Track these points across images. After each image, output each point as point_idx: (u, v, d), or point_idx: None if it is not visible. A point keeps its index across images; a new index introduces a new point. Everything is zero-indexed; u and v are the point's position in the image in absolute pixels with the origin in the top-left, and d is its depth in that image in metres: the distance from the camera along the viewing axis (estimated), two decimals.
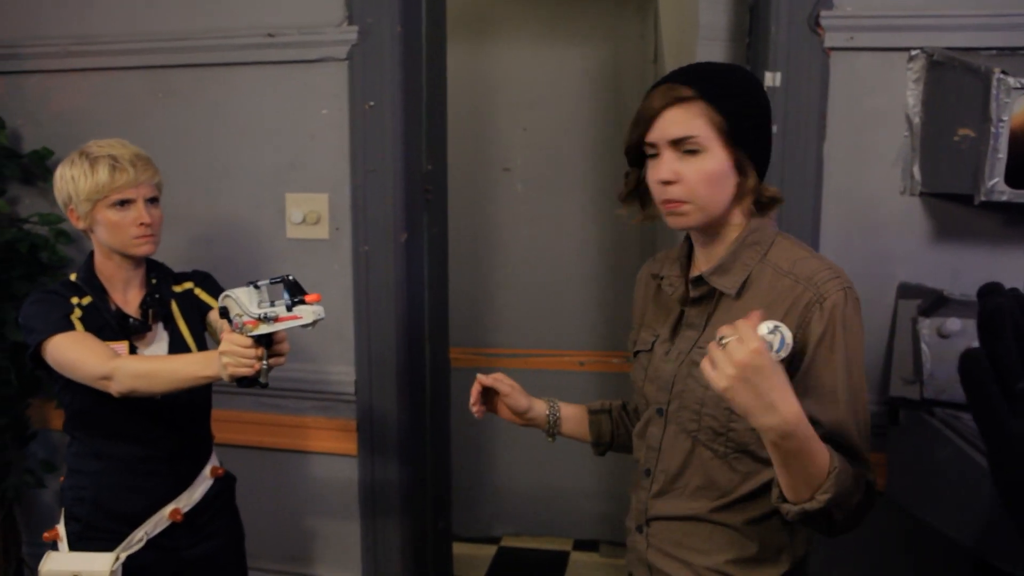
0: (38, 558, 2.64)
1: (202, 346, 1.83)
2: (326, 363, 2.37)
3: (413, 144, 2.32)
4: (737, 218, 1.26)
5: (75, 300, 1.70)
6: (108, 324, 1.70)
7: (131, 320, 1.72)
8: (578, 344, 3.35)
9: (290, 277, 1.43)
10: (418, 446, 2.47)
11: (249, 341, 1.44)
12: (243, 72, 2.32)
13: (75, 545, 1.72)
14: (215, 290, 1.87)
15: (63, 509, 1.77)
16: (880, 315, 1.99)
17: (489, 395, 1.50)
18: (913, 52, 1.93)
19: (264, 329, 1.42)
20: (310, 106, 2.30)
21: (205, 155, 2.39)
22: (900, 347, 1.90)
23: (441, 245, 2.61)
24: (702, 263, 1.31)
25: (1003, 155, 1.67)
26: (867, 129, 1.98)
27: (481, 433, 3.42)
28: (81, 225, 1.71)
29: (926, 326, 1.83)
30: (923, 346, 1.82)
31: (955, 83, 1.82)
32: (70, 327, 1.65)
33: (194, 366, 1.56)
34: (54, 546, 1.75)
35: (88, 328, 1.68)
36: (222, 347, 1.46)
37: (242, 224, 2.39)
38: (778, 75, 1.98)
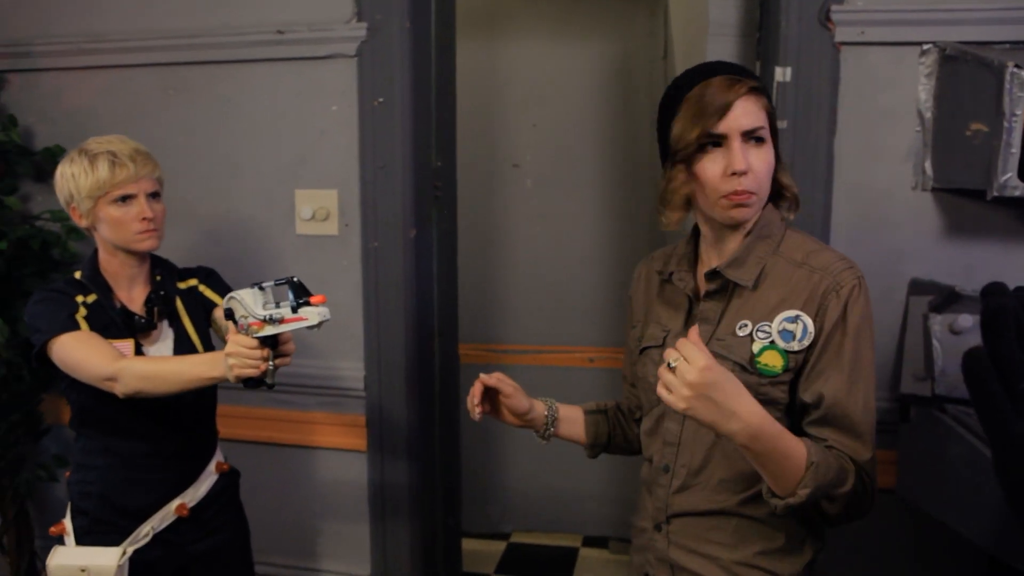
0: (51, 552, 2.67)
1: (207, 344, 1.83)
2: (335, 359, 2.37)
3: (422, 140, 2.32)
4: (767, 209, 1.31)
5: (80, 298, 1.70)
6: (113, 322, 1.70)
7: (136, 318, 1.72)
8: (587, 340, 3.35)
9: (295, 279, 1.43)
10: (428, 442, 2.47)
11: (255, 342, 1.44)
12: (253, 69, 2.33)
13: (82, 539, 1.73)
14: (219, 287, 1.87)
15: (69, 503, 1.78)
16: (891, 311, 1.98)
17: (491, 396, 1.47)
18: (925, 46, 1.91)
19: (270, 330, 1.42)
20: (319, 102, 2.30)
21: (215, 151, 2.40)
22: (911, 344, 1.89)
23: (450, 241, 2.61)
24: (712, 258, 1.32)
25: (1016, 150, 1.66)
26: (878, 124, 1.97)
27: (491, 429, 3.42)
28: (84, 223, 1.70)
29: (938, 323, 1.82)
30: (935, 343, 1.81)
31: (968, 77, 1.80)
32: (75, 326, 1.64)
33: (200, 367, 1.55)
34: (60, 540, 1.76)
35: (93, 326, 1.67)
36: (228, 348, 1.46)
37: (252, 220, 2.39)
38: (788, 70, 1.97)
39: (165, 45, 2.37)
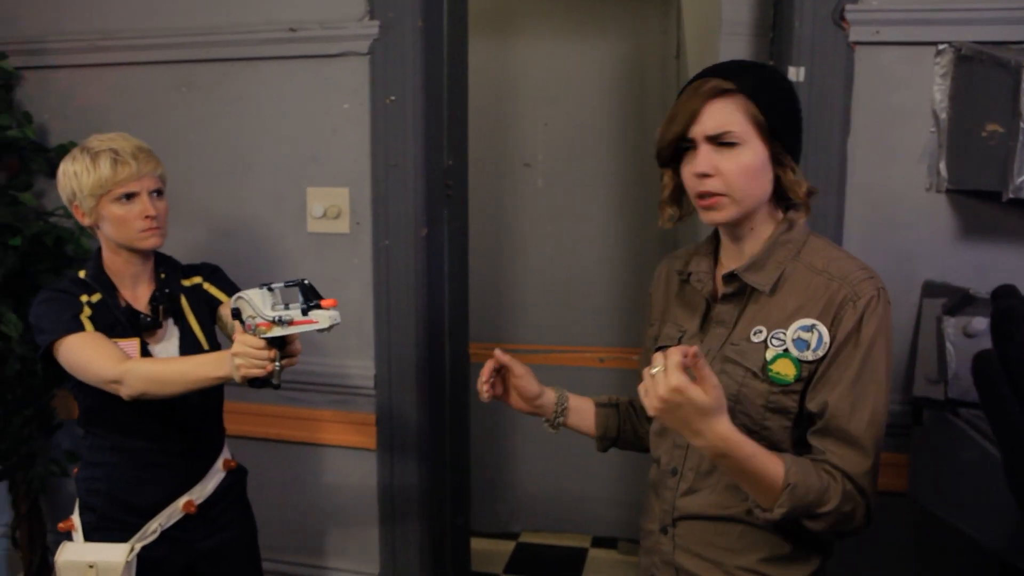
0: None
1: (213, 341, 1.83)
2: (345, 357, 2.38)
3: (434, 139, 2.32)
4: (771, 214, 1.27)
5: (84, 298, 1.69)
6: (119, 321, 1.70)
7: (142, 316, 1.72)
8: (598, 340, 3.34)
9: (306, 281, 1.42)
10: (437, 441, 2.47)
11: (262, 342, 1.43)
12: (265, 66, 2.34)
13: (90, 536, 1.74)
14: (224, 284, 1.87)
15: (78, 500, 1.78)
16: (904, 314, 1.96)
17: (502, 378, 1.47)
18: (941, 46, 1.90)
19: (278, 332, 1.42)
20: (331, 100, 2.30)
21: (227, 149, 2.41)
22: (924, 346, 1.88)
23: (461, 240, 2.61)
24: (731, 260, 1.31)
25: None
26: (892, 125, 1.96)
27: (500, 428, 3.42)
28: (87, 221, 1.69)
29: (951, 325, 1.81)
30: (948, 345, 1.80)
31: (984, 78, 1.79)
32: (80, 327, 1.64)
33: (205, 367, 1.55)
34: (69, 536, 1.77)
35: (98, 326, 1.67)
36: (234, 348, 1.45)
37: (263, 218, 2.40)
38: (802, 70, 1.96)
39: (178, 43, 2.38)
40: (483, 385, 1.43)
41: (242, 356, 1.44)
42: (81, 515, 1.76)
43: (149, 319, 1.73)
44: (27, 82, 2.54)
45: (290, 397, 2.40)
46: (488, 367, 1.43)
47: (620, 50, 3.24)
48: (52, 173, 2.53)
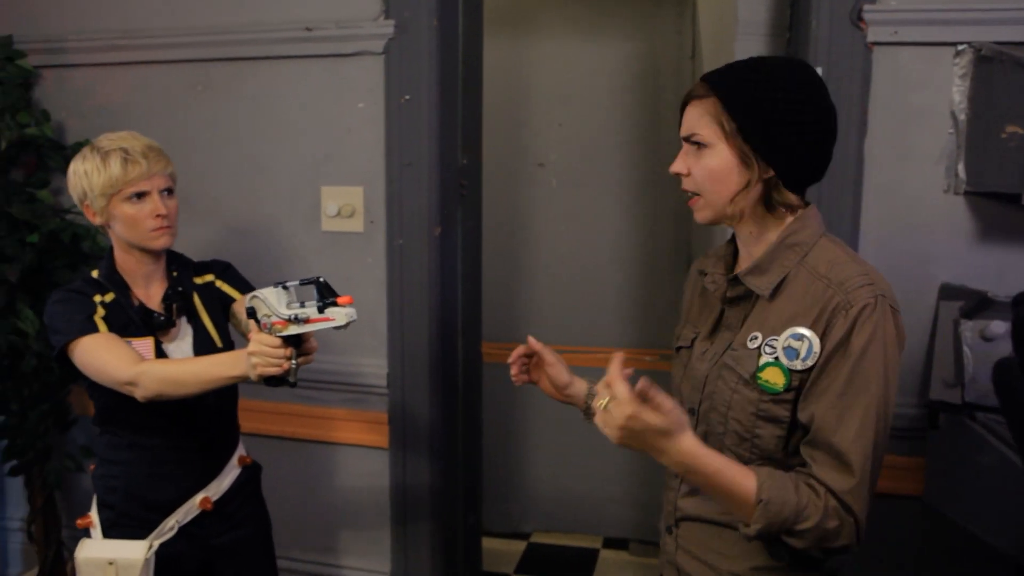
0: (77, 541, 2.70)
1: (226, 339, 1.83)
2: (359, 356, 2.38)
3: (448, 138, 2.33)
4: (777, 217, 1.23)
5: (98, 298, 1.69)
6: (132, 320, 1.70)
7: (155, 315, 1.72)
8: (611, 341, 3.33)
9: (321, 279, 1.42)
10: (449, 440, 2.47)
11: (278, 341, 1.43)
12: (281, 66, 2.34)
13: (108, 532, 1.75)
14: (236, 281, 1.87)
15: (95, 497, 1.79)
16: (921, 317, 1.94)
17: (534, 364, 1.52)
18: (960, 47, 1.88)
19: (294, 330, 1.42)
20: (346, 100, 2.31)
21: (242, 148, 2.41)
22: (941, 350, 1.86)
23: (475, 240, 2.61)
24: (744, 262, 1.29)
25: None
26: (910, 126, 1.94)
27: (513, 428, 3.42)
28: (98, 221, 1.69)
29: (969, 328, 1.79)
30: (965, 349, 1.78)
31: (1004, 79, 1.77)
32: (93, 328, 1.64)
33: (221, 367, 1.55)
34: (87, 533, 1.78)
35: (112, 326, 1.67)
36: (251, 347, 1.45)
37: (278, 216, 2.41)
38: (819, 70, 1.94)
39: (194, 42, 2.39)
40: (513, 367, 1.50)
41: (258, 355, 1.44)
42: (99, 512, 1.77)
43: (162, 318, 1.73)
44: (45, 81, 2.56)
45: (303, 395, 2.41)
46: (517, 352, 1.49)
47: (635, 50, 3.23)
48: None
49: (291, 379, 1.47)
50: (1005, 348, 1.72)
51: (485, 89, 2.64)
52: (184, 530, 1.76)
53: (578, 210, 3.32)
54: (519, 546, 3.39)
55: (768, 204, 1.22)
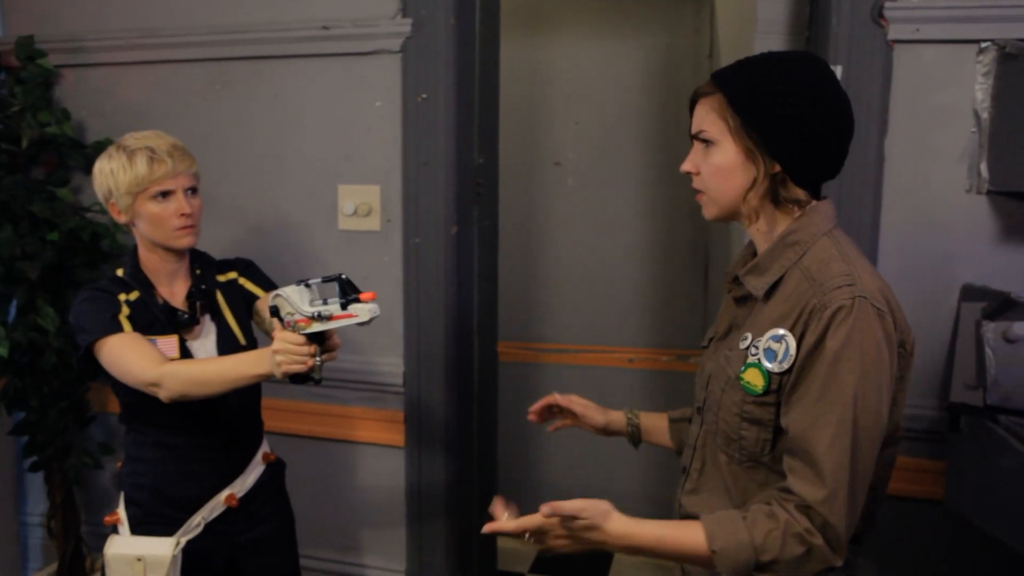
0: (96, 537, 2.73)
1: (249, 336, 1.84)
2: (375, 354, 2.38)
3: (465, 137, 2.32)
4: (786, 215, 1.22)
5: (123, 296, 1.71)
6: (157, 319, 1.72)
7: (179, 313, 1.73)
8: (627, 341, 3.32)
9: (343, 276, 1.43)
10: (465, 439, 2.47)
11: (302, 339, 1.44)
12: (298, 64, 2.35)
13: (136, 529, 1.76)
14: (259, 278, 1.88)
15: (122, 494, 1.81)
16: (942, 317, 1.92)
17: (559, 412, 1.58)
18: (983, 44, 1.86)
19: (318, 327, 1.42)
20: (363, 98, 2.31)
21: (260, 146, 2.42)
22: (962, 351, 1.83)
23: (491, 239, 2.60)
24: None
25: None
26: (932, 124, 1.92)
27: (528, 428, 3.40)
28: (123, 219, 1.71)
29: (991, 330, 1.77)
30: (987, 351, 1.75)
31: None
32: (118, 328, 1.66)
33: (245, 366, 1.56)
34: (115, 530, 1.79)
35: (137, 324, 1.68)
36: (275, 345, 1.46)
37: (295, 215, 2.42)
38: (839, 69, 1.93)
39: (213, 40, 2.40)
40: (531, 416, 1.59)
41: (283, 353, 1.45)
42: (126, 509, 1.79)
43: (186, 316, 1.74)
44: (66, 80, 2.58)
45: (321, 393, 2.41)
46: (540, 404, 1.56)
47: (652, 49, 3.21)
48: (89, 169, 2.55)
49: (315, 376, 1.47)
50: None
51: (502, 88, 2.63)
52: (210, 527, 1.77)
53: (595, 209, 3.31)
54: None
55: (776, 200, 1.21)
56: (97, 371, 1.71)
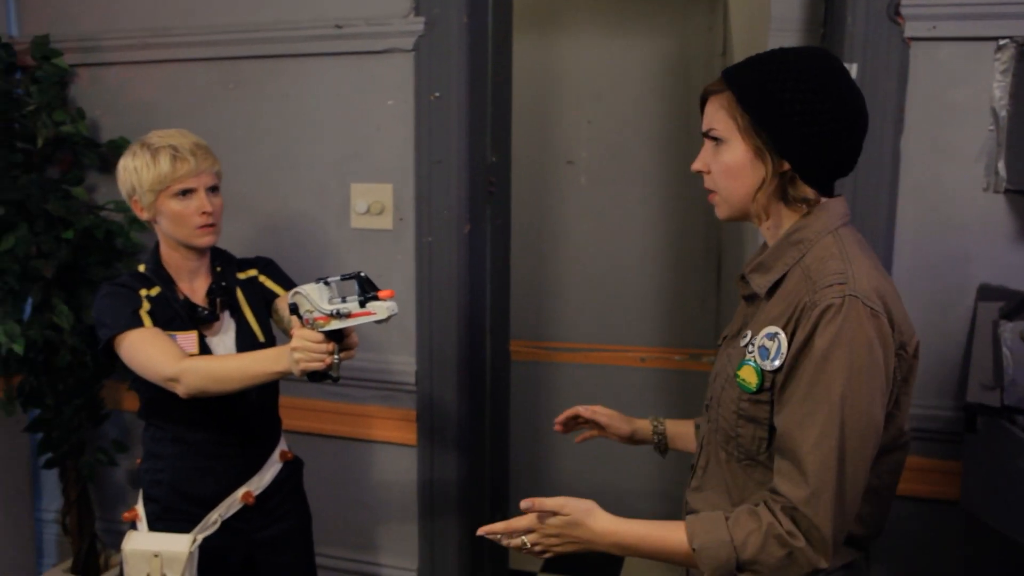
0: (110, 534, 2.75)
1: (268, 334, 1.85)
2: (388, 353, 2.39)
3: (478, 136, 2.32)
4: (782, 212, 1.21)
5: (144, 292, 1.73)
6: (177, 315, 1.73)
7: (199, 310, 1.75)
8: (639, 340, 3.32)
9: (362, 274, 1.43)
10: (477, 438, 2.47)
11: (320, 336, 1.44)
12: (310, 63, 2.35)
13: (154, 525, 1.78)
14: (278, 276, 1.90)
15: (141, 491, 1.82)
16: (958, 317, 1.91)
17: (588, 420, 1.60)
18: (1001, 41, 1.84)
19: (336, 325, 1.43)
20: (376, 97, 2.31)
21: (272, 145, 2.43)
22: (979, 351, 1.82)
23: (504, 237, 2.60)
24: None
25: None
26: (948, 123, 1.90)
27: (539, 426, 3.41)
28: (145, 216, 1.73)
29: (1008, 330, 1.75)
30: (1005, 351, 1.74)
31: None
32: (139, 323, 1.67)
33: (263, 363, 1.57)
34: (133, 526, 1.81)
35: (157, 320, 1.70)
36: (294, 343, 1.47)
37: (307, 213, 2.42)
38: (854, 67, 1.91)
39: (225, 40, 2.41)
40: (556, 426, 1.63)
41: (301, 350, 1.45)
42: (145, 505, 1.80)
43: (207, 312, 1.76)
44: (80, 79, 2.59)
45: (335, 392, 2.41)
46: (565, 415, 1.59)
47: (665, 47, 3.20)
48: (104, 168, 2.60)
49: (334, 374, 1.48)
50: None
51: (514, 86, 2.63)
52: (227, 524, 1.79)
53: (607, 208, 3.31)
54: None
55: (785, 199, 1.20)
56: (115, 366, 1.72)
